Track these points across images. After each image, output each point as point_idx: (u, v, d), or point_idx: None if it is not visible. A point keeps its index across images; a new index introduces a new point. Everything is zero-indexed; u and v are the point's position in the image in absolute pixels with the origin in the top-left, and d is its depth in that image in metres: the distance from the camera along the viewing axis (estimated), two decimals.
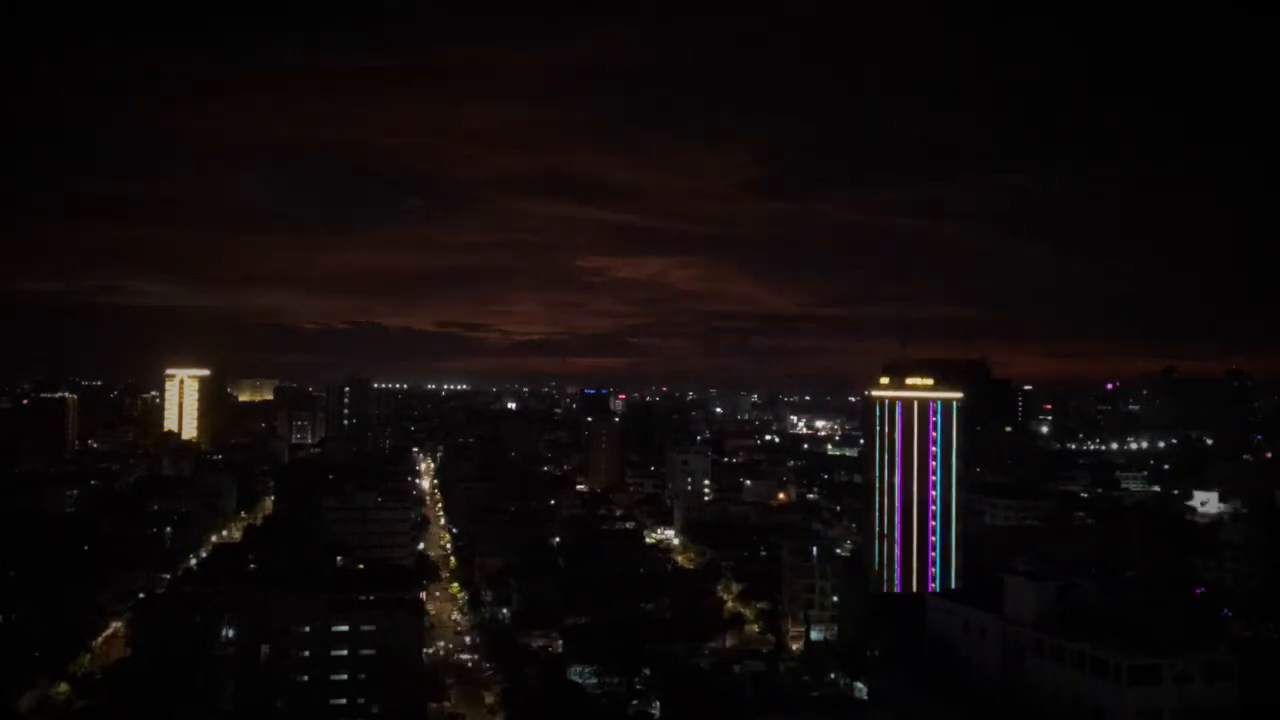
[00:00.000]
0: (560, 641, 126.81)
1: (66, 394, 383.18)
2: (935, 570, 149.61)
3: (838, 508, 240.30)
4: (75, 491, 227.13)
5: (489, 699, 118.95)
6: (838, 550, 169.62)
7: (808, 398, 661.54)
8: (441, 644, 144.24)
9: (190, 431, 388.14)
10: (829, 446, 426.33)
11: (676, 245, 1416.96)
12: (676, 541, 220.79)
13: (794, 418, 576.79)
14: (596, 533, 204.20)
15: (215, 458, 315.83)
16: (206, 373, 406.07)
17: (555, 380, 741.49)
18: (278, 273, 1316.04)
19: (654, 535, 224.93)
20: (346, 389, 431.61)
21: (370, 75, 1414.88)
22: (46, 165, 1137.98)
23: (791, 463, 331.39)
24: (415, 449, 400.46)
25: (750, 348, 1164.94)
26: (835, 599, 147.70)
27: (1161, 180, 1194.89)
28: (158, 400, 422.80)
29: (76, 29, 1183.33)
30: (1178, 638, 60.04)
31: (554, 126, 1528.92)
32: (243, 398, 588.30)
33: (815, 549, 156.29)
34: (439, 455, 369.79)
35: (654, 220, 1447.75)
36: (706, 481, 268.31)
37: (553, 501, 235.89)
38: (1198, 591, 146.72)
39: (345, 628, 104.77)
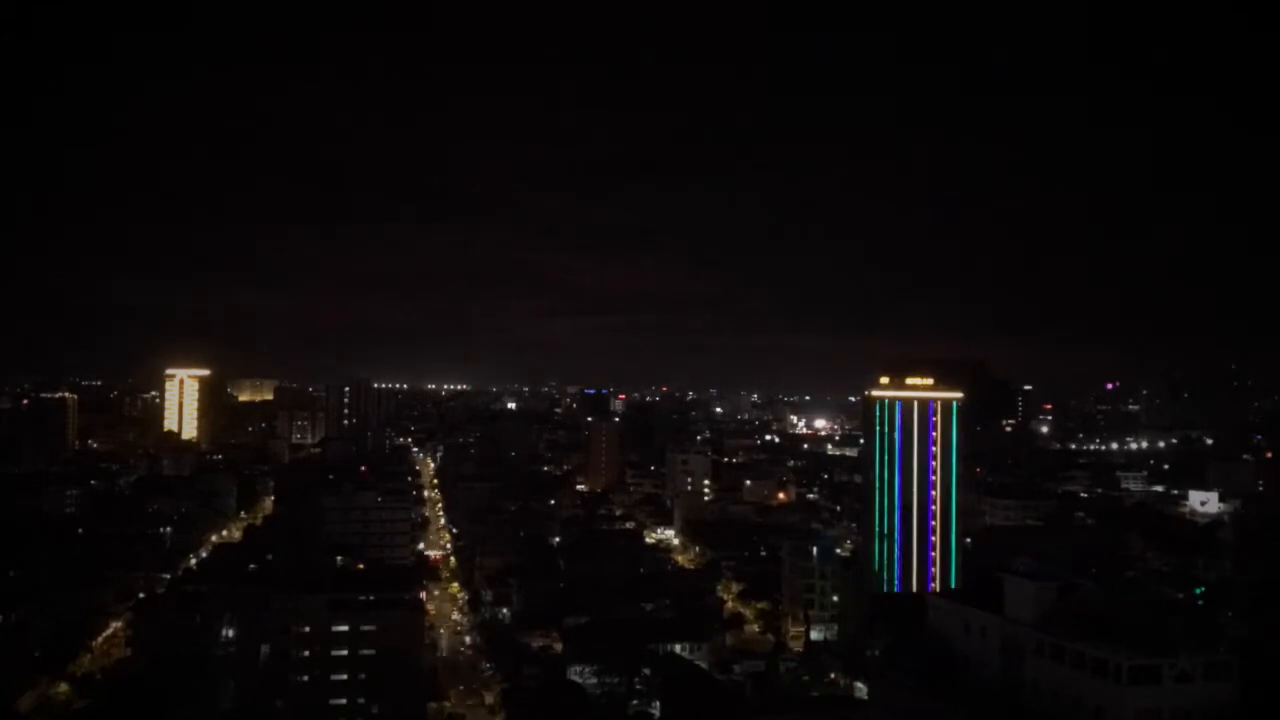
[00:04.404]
0: (560, 642, 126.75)
1: (66, 394, 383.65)
2: (935, 570, 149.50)
3: (838, 508, 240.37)
4: (75, 491, 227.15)
5: (489, 699, 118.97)
6: (838, 550, 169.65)
7: (808, 397, 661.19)
8: (442, 644, 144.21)
9: (190, 431, 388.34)
10: (829, 446, 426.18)
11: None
12: (676, 541, 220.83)
13: (794, 418, 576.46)
14: (596, 533, 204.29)
15: (215, 458, 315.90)
16: (206, 373, 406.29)
17: (555, 380, 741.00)
18: (277, 272, 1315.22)
19: (654, 535, 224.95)
20: (346, 389, 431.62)
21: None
22: (45, 164, 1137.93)
23: (791, 463, 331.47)
24: (415, 449, 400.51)
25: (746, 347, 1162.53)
26: (835, 599, 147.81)
27: (1163, 177, 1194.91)
28: (158, 400, 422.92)
29: (74, 26, 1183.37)
30: (1178, 638, 59.98)
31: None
32: (243, 398, 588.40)
33: (815, 549, 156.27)
34: (439, 455, 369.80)
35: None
36: (706, 481, 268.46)
37: (553, 501, 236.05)
38: (1198, 591, 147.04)
39: (345, 628, 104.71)
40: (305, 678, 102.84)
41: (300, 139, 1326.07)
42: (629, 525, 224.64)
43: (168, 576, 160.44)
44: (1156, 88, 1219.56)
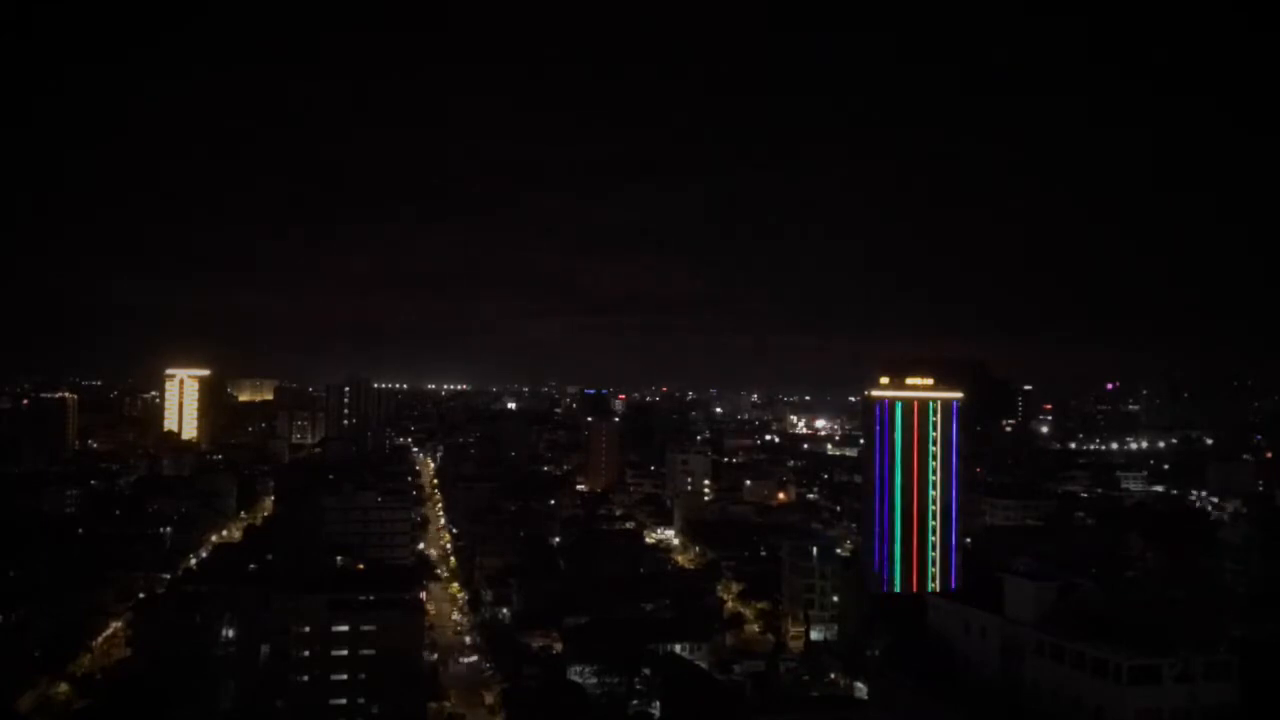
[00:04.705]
0: (560, 642, 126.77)
1: (66, 394, 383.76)
2: (935, 570, 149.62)
3: (838, 508, 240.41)
4: (75, 491, 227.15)
5: (489, 699, 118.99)
6: (838, 550, 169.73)
7: (808, 397, 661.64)
8: (441, 644, 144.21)
9: (190, 431, 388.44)
10: (829, 446, 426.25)
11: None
12: (676, 541, 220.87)
13: (794, 418, 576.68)
14: (596, 533, 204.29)
15: (215, 458, 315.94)
16: (206, 373, 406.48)
17: (555, 380, 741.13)
18: (277, 272, 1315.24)
19: (654, 535, 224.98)
20: (346, 389, 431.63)
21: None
22: (45, 164, 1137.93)
23: (791, 463, 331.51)
24: (415, 449, 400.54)
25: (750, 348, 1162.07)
26: (835, 599, 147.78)
27: (1163, 177, 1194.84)
28: (158, 400, 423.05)
29: (74, 26, 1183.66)
30: (1178, 638, 59.96)
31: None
32: (243, 398, 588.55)
33: (815, 549, 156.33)
34: (439, 455, 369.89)
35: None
36: (706, 481, 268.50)
37: (553, 501, 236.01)
38: (1197, 591, 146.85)
39: (345, 628, 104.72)
40: (305, 678, 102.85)
41: (300, 139, 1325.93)
42: (629, 525, 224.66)
43: (168, 576, 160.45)
44: (1156, 88, 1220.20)
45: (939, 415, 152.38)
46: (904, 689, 71.07)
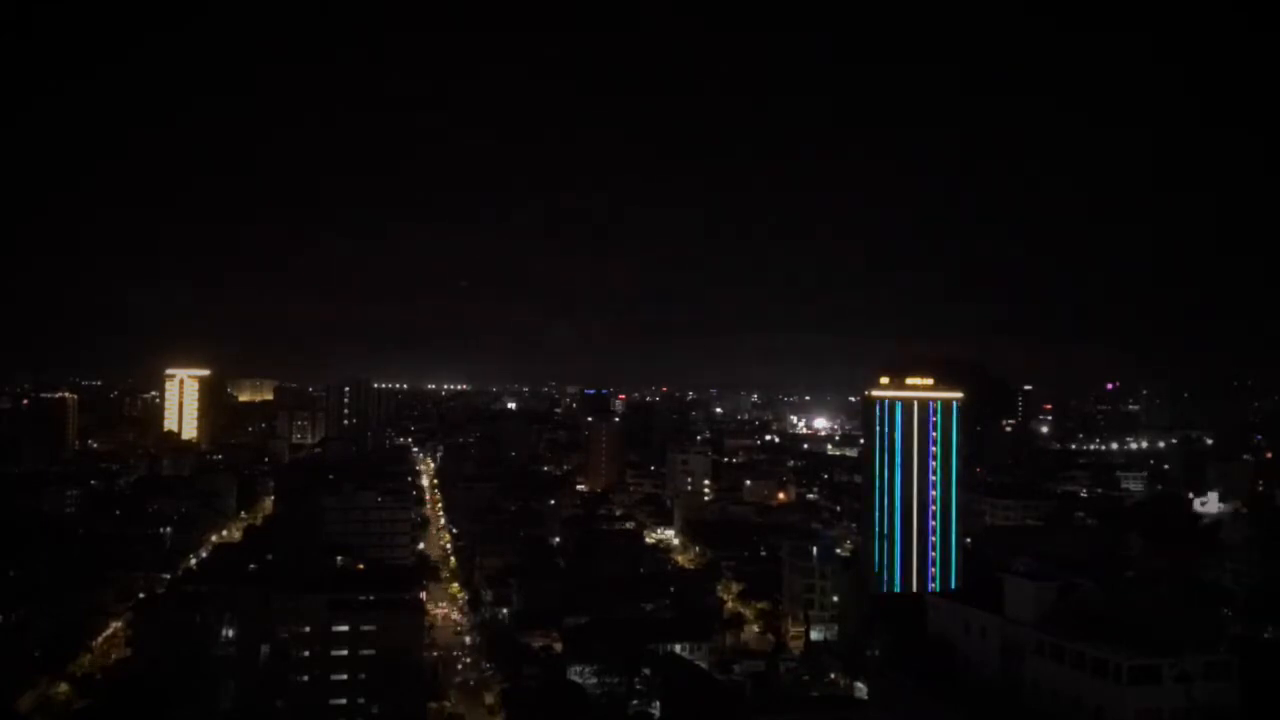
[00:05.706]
0: (560, 642, 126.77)
1: (66, 394, 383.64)
2: (935, 570, 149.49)
3: (838, 508, 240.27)
4: (75, 491, 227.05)
5: (489, 699, 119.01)
6: (838, 550, 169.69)
7: (808, 397, 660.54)
8: (441, 644, 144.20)
9: (190, 431, 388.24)
10: (829, 446, 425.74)
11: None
12: (676, 541, 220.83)
13: (794, 418, 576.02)
14: (596, 533, 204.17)
15: (215, 458, 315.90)
16: (206, 373, 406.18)
17: (555, 380, 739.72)
18: (279, 272, 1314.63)
19: (654, 535, 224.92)
20: (346, 389, 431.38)
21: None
22: (46, 164, 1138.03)
23: (791, 463, 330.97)
24: (415, 449, 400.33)
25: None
26: (835, 599, 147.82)
27: (1163, 177, 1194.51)
28: (158, 400, 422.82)
29: (75, 26, 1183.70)
30: (1178, 638, 59.93)
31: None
32: (243, 398, 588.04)
33: (815, 549, 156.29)
34: (439, 455, 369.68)
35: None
36: (706, 481, 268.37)
37: (553, 501, 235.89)
38: (1198, 591, 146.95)
39: (345, 628, 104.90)
40: (305, 678, 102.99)
41: (301, 139, 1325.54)
42: (629, 525, 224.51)
43: (168, 576, 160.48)
44: (1157, 88, 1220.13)
45: (939, 415, 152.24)
46: (904, 689, 71.04)
